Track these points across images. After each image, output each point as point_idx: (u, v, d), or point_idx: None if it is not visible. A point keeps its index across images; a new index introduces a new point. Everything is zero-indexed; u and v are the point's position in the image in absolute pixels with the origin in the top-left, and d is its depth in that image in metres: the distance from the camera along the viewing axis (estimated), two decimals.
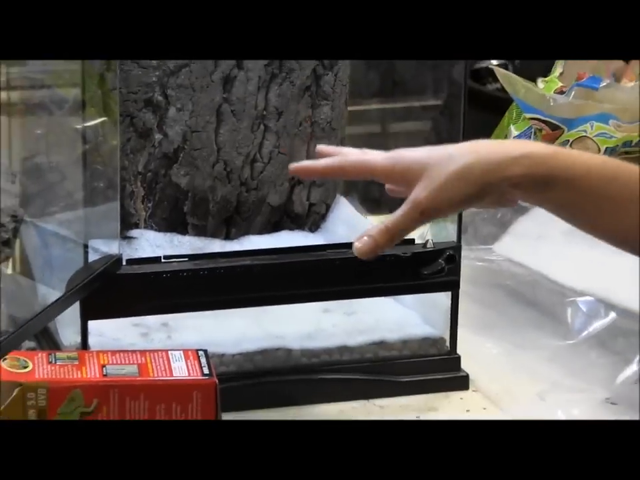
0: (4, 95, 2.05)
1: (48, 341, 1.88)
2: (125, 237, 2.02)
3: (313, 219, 2.14)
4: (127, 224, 2.03)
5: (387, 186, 1.68)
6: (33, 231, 1.97)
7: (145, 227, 2.06)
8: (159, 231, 2.06)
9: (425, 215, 1.54)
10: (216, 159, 2.05)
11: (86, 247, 1.81)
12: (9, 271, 1.92)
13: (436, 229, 1.93)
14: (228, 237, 2.09)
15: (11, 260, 1.93)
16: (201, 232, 2.07)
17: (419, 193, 1.52)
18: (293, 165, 1.69)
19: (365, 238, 1.57)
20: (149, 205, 2.05)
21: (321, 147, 1.69)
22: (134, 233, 2.05)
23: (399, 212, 1.54)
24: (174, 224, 2.07)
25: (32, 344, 1.89)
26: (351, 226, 2.07)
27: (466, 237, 2.18)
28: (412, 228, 1.57)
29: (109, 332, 1.90)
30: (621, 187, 1.52)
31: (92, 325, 1.85)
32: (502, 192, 1.55)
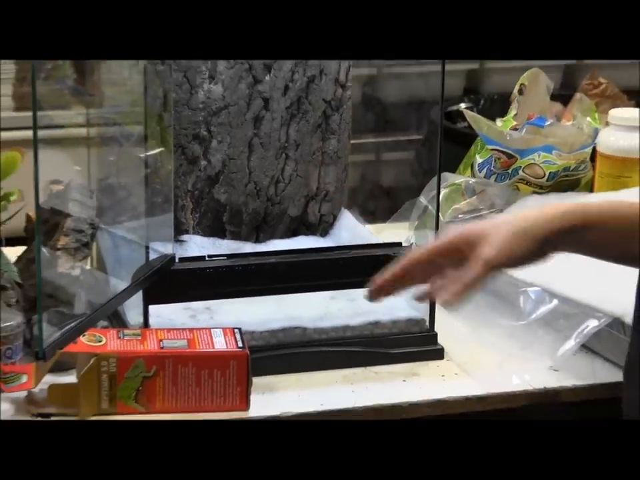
0: (84, 130, 2.09)
1: (118, 321, 1.91)
2: (177, 241, 2.05)
3: (323, 227, 2.17)
4: (179, 230, 2.06)
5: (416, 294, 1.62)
6: (106, 235, 2.00)
7: (193, 233, 2.09)
8: (204, 235, 2.09)
9: (493, 270, 1.53)
10: (248, 180, 2.09)
11: (147, 248, 1.85)
12: (88, 266, 1.95)
13: (418, 235, 1.96)
14: (257, 240, 2.12)
15: (89, 258, 1.97)
16: (236, 237, 2.10)
17: (487, 253, 1.50)
18: (368, 292, 1.59)
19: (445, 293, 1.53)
20: (196, 215, 2.08)
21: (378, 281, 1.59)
22: (184, 237, 2.08)
23: (472, 271, 1.51)
24: (215, 230, 2.10)
25: (105, 323, 1.92)
26: (352, 232, 2.11)
27: None
28: (483, 283, 1.53)
29: (165, 314, 1.92)
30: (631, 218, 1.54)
31: (152, 308, 1.88)
32: (552, 246, 1.56)
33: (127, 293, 1.83)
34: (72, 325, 1.72)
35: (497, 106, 2.52)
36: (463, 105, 2.44)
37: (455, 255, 1.55)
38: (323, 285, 1.95)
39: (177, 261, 1.87)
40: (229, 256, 1.91)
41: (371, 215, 2.29)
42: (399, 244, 1.94)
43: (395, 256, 1.89)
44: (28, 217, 2.02)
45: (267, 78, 2.06)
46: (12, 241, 2.07)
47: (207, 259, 1.88)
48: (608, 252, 1.61)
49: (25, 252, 1.96)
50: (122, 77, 2.03)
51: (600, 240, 1.57)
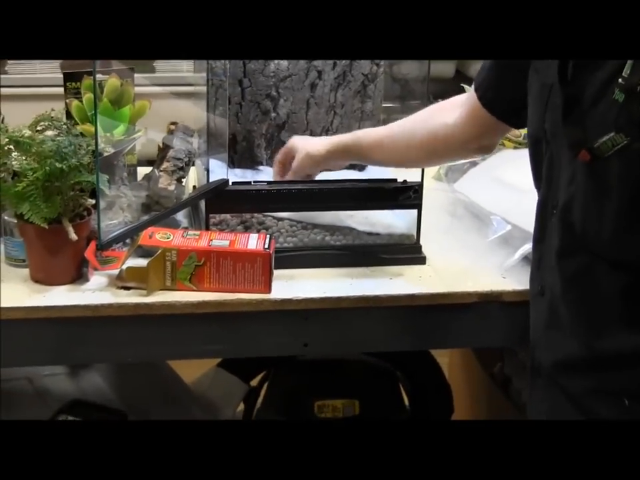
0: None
1: (198, 224, 1.73)
2: (254, 169, 1.86)
3: (360, 165, 1.90)
4: (256, 162, 1.88)
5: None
6: (198, 163, 1.82)
7: (266, 165, 1.89)
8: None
9: (296, 174, 1.72)
10: (306, 128, 1.89)
11: (208, 172, 1.64)
12: (184, 183, 1.77)
13: (407, 174, 1.71)
14: None
15: (186, 178, 1.79)
16: None
17: (293, 165, 1.72)
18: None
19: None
20: (268, 152, 1.89)
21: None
22: (260, 167, 1.89)
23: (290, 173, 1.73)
24: None
25: (186, 224, 1.75)
26: (380, 170, 1.84)
27: (446, 180, 1.98)
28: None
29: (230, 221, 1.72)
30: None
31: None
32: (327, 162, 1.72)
33: (185, 204, 1.65)
34: (130, 226, 1.55)
35: None
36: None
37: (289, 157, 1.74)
38: (345, 205, 1.72)
39: (230, 184, 1.64)
40: (269, 182, 1.69)
41: None
42: (395, 180, 1.69)
43: (389, 188, 1.69)
44: (158, 146, 1.85)
45: None
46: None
47: (252, 183, 1.67)
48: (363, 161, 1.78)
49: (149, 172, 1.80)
50: None
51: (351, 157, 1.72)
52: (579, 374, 1.25)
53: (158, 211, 1.72)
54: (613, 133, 1.11)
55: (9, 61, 3.18)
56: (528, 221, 1.65)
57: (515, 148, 1.99)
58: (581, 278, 1.23)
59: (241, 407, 2.18)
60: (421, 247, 1.72)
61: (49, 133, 1.65)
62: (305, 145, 1.71)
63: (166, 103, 2.04)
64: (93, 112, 1.80)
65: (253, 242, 1.60)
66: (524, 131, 1.93)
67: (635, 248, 1.15)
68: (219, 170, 1.69)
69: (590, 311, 1.23)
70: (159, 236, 1.61)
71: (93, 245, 1.59)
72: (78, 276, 1.60)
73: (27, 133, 1.58)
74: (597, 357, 1.23)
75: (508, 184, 1.78)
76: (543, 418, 1.32)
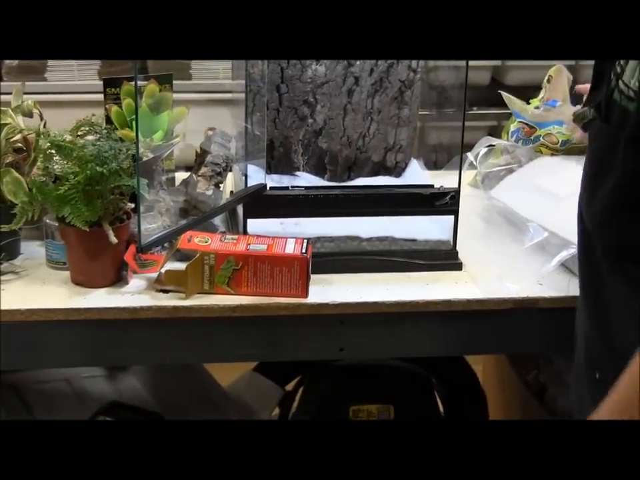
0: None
1: (236, 228, 1.74)
2: (292, 174, 1.87)
3: (397, 171, 1.92)
4: (293, 168, 1.89)
5: None
6: (236, 168, 1.83)
7: (303, 170, 1.88)
8: (310, 173, 1.88)
9: None
10: (343, 134, 1.88)
11: (246, 177, 1.66)
12: (221, 188, 1.78)
13: (444, 180, 1.72)
14: (349, 178, 1.89)
15: (223, 183, 1.80)
16: (333, 175, 1.89)
17: None
18: None
19: None
20: (305, 158, 1.89)
21: None
22: (297, 173, 1.88)
23: None
24: (319, 169, 1.89)
25: (224, 229, 1.76)
26: (417, 176, 1.87)
27: (482, 186, 1.98)
28: None
29: (265, 225, 1.73)
30: None
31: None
32: None
33: (224, 208, 1.67)
34: (169, 230, 1.57)
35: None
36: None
37: None
38: (383, 211, 1.73)
39: (268, 189, 1.65)
40: (307, 188, 1.70)
41: (431, 164, 2.04)
42: (432, 185, 1.71)
43: (426, 194, 1.69)
44: (196, 152, 1.87)
45: (358, 62, 1.86)
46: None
47: (290, 188, 1.68)
48: None
49: (187, 177, 1.81)
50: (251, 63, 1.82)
51: None
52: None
53: (195, 215, 1.73)
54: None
55: (48, 68, 3.21)
56: (565, 228, 1.66)
57: (553, 154, 1.99)
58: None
59: (276, 411, 2.19)
60: (457, 253, 1.72)
61: (90, 137, 1.68)
62: None
63: (203, 109, 2.05)
64: (132, 117, 1.82)
65: (291, 246, 1.61)
66: (561, 138, 1.94)
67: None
68: (256, 175, 1.71)
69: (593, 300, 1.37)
70: (198, 240, 1.62)
71: (132, 248, 1.61)
72: (117, 279, 1.62)
73: (68, 137, 1.60)
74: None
75: (545, 191, 1.78)
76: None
